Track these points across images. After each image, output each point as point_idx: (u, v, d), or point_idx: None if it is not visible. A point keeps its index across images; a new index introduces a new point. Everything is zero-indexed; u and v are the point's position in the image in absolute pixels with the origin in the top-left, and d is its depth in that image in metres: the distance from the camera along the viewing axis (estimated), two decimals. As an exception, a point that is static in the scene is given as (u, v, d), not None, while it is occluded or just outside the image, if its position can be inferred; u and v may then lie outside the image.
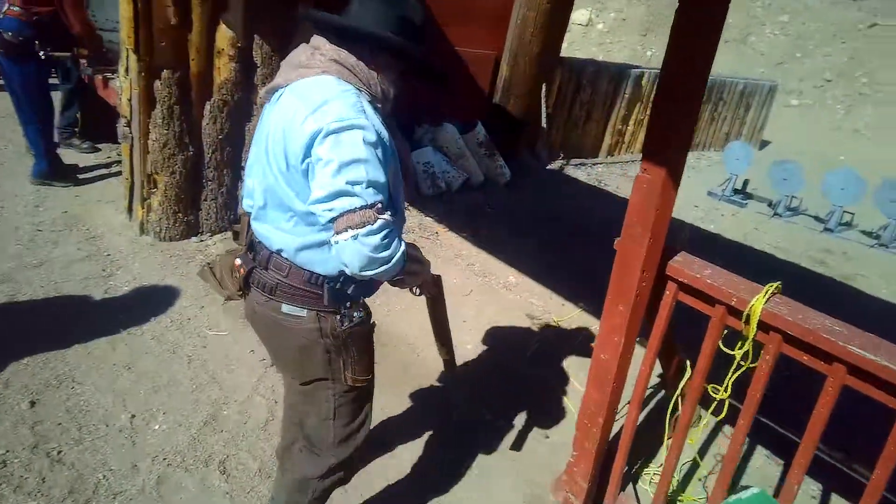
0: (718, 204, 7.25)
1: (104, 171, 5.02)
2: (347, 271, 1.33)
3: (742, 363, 1.89)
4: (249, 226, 1.55)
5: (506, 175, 6.31)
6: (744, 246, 5.89)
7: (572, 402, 3.00)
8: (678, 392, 2.16)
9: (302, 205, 1.36)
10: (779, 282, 1.81)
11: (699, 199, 7.37)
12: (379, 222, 1.28)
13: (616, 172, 7.93)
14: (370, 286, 1.54)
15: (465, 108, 6.32)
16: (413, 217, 5.14)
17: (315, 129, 1.26)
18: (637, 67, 8.34)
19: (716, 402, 1.97)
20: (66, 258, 3.61)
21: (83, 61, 4.88)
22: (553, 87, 7.11)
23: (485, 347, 3.42)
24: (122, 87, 3.84)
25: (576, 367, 3.33)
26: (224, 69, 3.77)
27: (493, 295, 4.08)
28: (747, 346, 1.81)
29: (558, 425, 2.84)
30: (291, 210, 1.40)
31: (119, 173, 4.62)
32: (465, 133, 6.16)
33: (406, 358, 3.19)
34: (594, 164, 8.02)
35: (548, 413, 2.92)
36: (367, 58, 1.40)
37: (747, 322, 1.79)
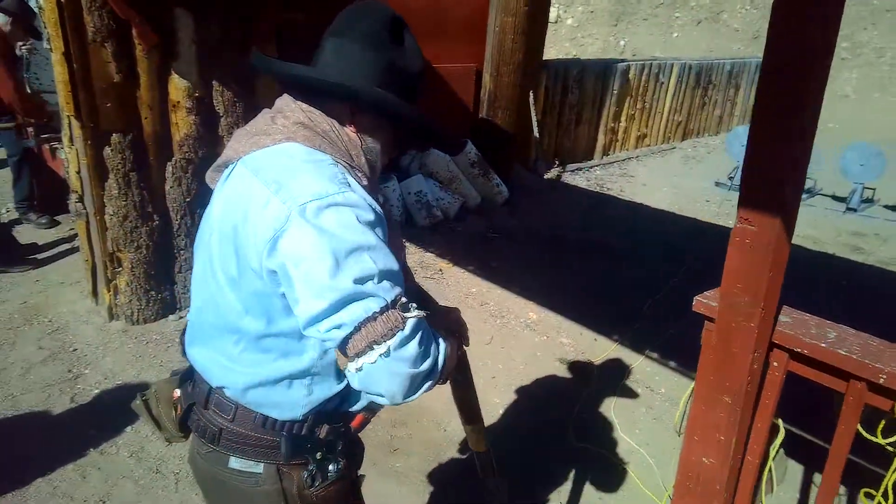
0: (730, 195, 6.84)
1: (66, 246, 4.56)
2: (385, 401, 0.96)
3: (889, 447, 1.44)
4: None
5: (503, 193, 5.86)
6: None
7: (640, 478, 2.53)
8: (771, 459, 1.71)
9: (256, 325, 1.01)
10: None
11: (708, 191, 6.95)
12: (410, 323, 0.91)
13: (615, 173, 7.51)
14: (349, 421, 1.13)
15: (450, 128, 5.88)
16: (412, 255, 4.67)
17: (284, 215, 0.91)
18: (622, 61, 7.96)
19: None
20: (26, 362, 3.12)
21: (29, 129, 4.40)
22: (539, 94, 6.69)
23: (518, 411, 2.95)
24: (69, 159, 3.35)
25: (633, 426, 2.87)
26: (183, 124, 3.29)
27: (516, 339, 3.62)
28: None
29: (628, 508, 2.38)
30: (238, 333, 1.03)
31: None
32: (455, 154, 5.71)
33: (431, 436, 2.71)
34: (591, 168, 7.60)
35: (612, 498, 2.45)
36: (346, 120, 1.06)
37: (903, 403, 1.34)
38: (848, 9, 8.53)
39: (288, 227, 0.90)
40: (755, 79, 10.55)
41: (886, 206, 6.46)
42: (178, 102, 3.24)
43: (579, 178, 7.15)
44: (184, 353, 1.20)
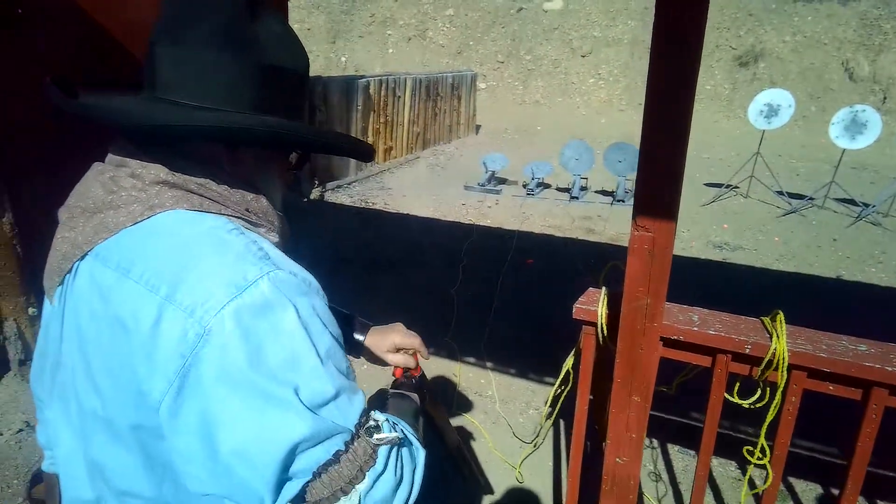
0: (480, 195, 7.46)
1: None
2: None
3: (750, 406, 1.67)
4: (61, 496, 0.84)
5: (273, 221, 5.48)
6: (533, 234, 6.09)
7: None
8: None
9: (153, 489, 0.74)
10: (778, 310, 1.62)
11: (461, 195, 7.48)
12: (382, 453, 0.71)
13: (374, 187, 7.62)
14: None
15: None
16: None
17: (192, 333, 0.64)
18: (362, 77, 8.11)
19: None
20: None
21: None
22: (291, 113, 6.43)
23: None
24: None
25: (478, 433, 2.89)
26: None
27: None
28: (777, 396, 1.57)
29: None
30: (131, 498, 0.75)
31: None
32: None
33: None
34: (350, 184, 7.59)
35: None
36: (223, 160, 0.77)
37: (768, 368, 1.56)
38: (525, 27, 10.02)
39: (203, 351, 0.63)
40: (471, 89, 11.72)
41: (597, 192, 7.73)
42: None
43: (342, 195, 7.08)
44: None
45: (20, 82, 2.78)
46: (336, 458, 0.66)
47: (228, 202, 0.74)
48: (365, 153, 0.90)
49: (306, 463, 0.65)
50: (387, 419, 0.75)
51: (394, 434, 0.72)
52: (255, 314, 0.64)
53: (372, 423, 0.72)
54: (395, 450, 0.73)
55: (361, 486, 0.67)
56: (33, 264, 3.38)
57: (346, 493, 0.66)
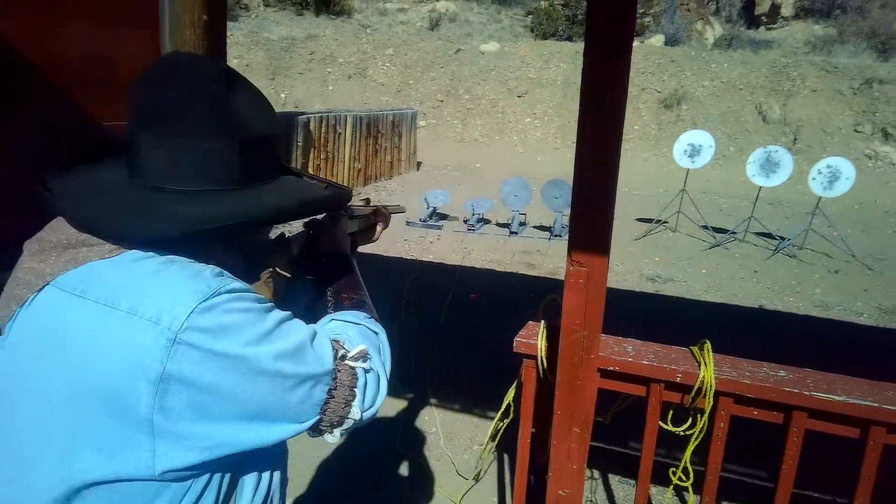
0: (422, 231, 7.51)
1: None
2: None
3: (683, 433, 1.75)
4: None
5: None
6: (475, 269, 6.16)
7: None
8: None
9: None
10: (705, 339, 1.71)
11: (404, 231, 7.51)
12: (360, 373, 0.83)
13: (315, 223, 7.56)
14: None
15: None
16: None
17: (160, 340, 0.65)
18: (302, 113, 8.10)
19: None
20: None
21: None
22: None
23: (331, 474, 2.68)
24: None
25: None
26: None
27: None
28: (703, 420, 1.65)
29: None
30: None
31: None
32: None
33: None
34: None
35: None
36: (198, 254, 0.78)
37: (698, 395, 1.64)
38: (463, 68, 10.33)
39: (180, 352, 0.65)
40: (412, 126, 11.89)
41: (536, 227, 7.93)
42: None
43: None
44: None
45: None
46: (330, 394, 0.78)
47: (199, 252, 0.77)
48: (339, 202, 1.00)
49: (310, 408, 0.76)
50: (346, 332, 0.87)
51: (360, 346, 0.84)
52: (224, 309, 0.69)
53: (341, 351, 0.81)
54: (371, 367, 0.85)
55: (355, 401, 0.80)
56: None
57: (346, 419, 0.80)
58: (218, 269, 0.74)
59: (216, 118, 0.76)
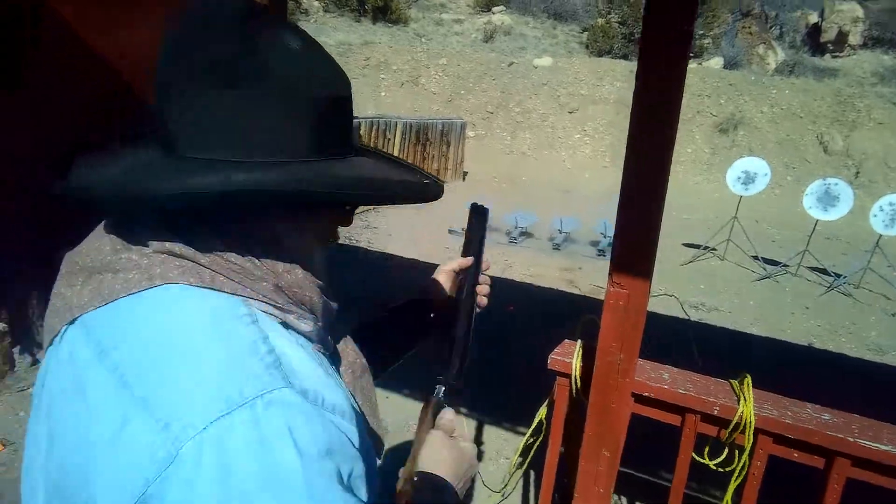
0: (461, 240, 7.52)
1: None
2: None
3: (716, 468, 1.69)
4: None
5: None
6: (514, 282, 6.13)
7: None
8: None
9: None
10: (746, 373, 1.65)
11: (445, 239, 7.53)
12: None
13: (358, 226, 7.65)
14: None
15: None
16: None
17: (160, 454, 0.50)
18: (355, 118, 8.24)
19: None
20: None
21: None
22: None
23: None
24: None
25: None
26: None
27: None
28: (743, 458, 1.59)
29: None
30: None
31: None
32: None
33: None
34: (334, 221, 7.62)
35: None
36: (259, 236, 0.63)
37: (735, 430, 1.59)
38: (515, 81, 10.32)
39: (170, 480, 0.49)
40: (460, 136, 11.95)
41: (580, 244, 7.85)
42: None
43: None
44: None
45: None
46: None
47: (250, 279, 0.61)
48: (425, 194, 0.73)
49: None
50: None
51: None
52: (241, 449, 0.50)
53: None
54: None
55: None
56: (6, 279, 3.33)
57: None
58: (273, 358, 0.56)
59: (260, 71, 0.59)
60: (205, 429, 0.49)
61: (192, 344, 0.54)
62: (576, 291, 6.09)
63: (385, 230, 7.62)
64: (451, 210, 8.91)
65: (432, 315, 1.13)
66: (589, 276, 6.57)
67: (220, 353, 0.54)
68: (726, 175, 7.68)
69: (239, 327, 0.57)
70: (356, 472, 0.60)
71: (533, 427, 2.01)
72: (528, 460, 2.18)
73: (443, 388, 1.01)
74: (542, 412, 2.00)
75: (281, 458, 0.50)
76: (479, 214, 1.13)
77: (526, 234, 8.04)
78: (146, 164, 0.61)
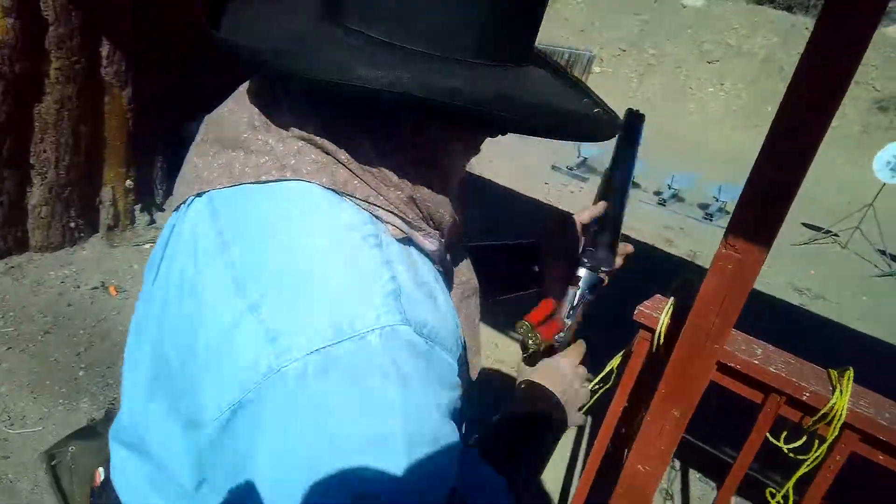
0: (565, 179, 7.33)
1: None
2: None
3: (790, 454, 1.61)
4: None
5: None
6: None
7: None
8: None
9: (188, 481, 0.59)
10: (849, 367, 1.54)
11: (545, 174, 7.37)
12: None
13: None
14: None
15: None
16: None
17: (260, 366, 0.49)
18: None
19: None
20: None
21: None
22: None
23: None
24: None
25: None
26: (-7, 26, 2.54)
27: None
28: (822, 449, 1.51)
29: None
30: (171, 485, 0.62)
31: None
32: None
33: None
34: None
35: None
36: (406, 130, 0.57)
37: (821, 420, 1.49)
38: (657, 20, 9.51)
39: (268, 394, 0.48)
40: (586, 69, 11.39)
41: (688, 204, 7.43)
42: (-11, -3, 2.48)
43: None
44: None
45: None
46: None
47: (385, 185, 0.57)
48: (604, 128, 0.63)
49: None
50: None
51: None
52: (341, 381, 0.48)
53: None
54: None
55: None
56: (141, 139, 3.61)
57: None
58: (395, 286, 0.53)
59: None
60: (309, 354, 0.48)
61: (312, 262, 0.52)
62: (673, 252, 5.84)
63: (486, 153, 7.52)
64: (559, 145, 8.64)
65: (537, 269, 1.04)
66: (689, 239, 6.25)
67: (340, 278, 0.51)
68: (875, 157, 6.89)
69: (363, 251, 0.54)
70: (454, 406, 0.57)
71: (602, 375, 1.99)
72: (587, 405, 2.19)
73: (589, 274, 0.86)
74: (615, 361, 1.97)
75: (381, 392, 0.49)
76: (637, 121, 1.03)
77: (633, 183, 7.71)
78: (313, 33, 0.55)
